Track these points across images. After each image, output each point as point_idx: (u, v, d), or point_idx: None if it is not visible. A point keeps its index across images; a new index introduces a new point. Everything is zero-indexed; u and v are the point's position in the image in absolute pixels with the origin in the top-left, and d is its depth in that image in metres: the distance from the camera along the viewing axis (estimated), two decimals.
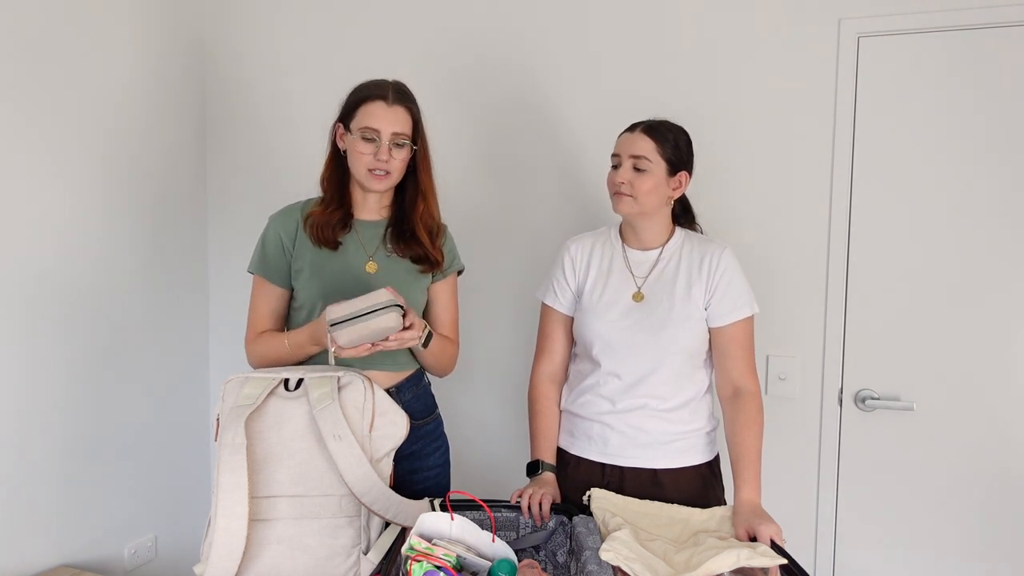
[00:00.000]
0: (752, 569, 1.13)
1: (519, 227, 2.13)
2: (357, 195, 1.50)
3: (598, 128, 2.01)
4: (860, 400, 1.88)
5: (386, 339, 1.29)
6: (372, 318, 1.24)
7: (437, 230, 1.53)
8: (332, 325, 1.25)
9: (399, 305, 1.27)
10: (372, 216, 1.51)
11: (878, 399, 1.87)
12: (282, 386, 1.32)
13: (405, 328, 1.30)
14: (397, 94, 1.43)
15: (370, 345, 1.29)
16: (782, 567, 1.14)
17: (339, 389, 1.31)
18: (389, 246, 1.49)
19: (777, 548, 1.20)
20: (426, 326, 1.40)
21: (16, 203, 1.77)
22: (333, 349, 1.27)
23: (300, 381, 1.33)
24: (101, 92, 1.98)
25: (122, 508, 2.10)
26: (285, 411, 1.29)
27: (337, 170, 1.49)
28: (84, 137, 1.94)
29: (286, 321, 1.54)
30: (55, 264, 1.87)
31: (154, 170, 2.18)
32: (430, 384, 1.62)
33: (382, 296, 1.26)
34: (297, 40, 2.30)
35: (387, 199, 1.52)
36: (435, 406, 1.62)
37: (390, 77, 1.49)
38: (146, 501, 2.19)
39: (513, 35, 2.10)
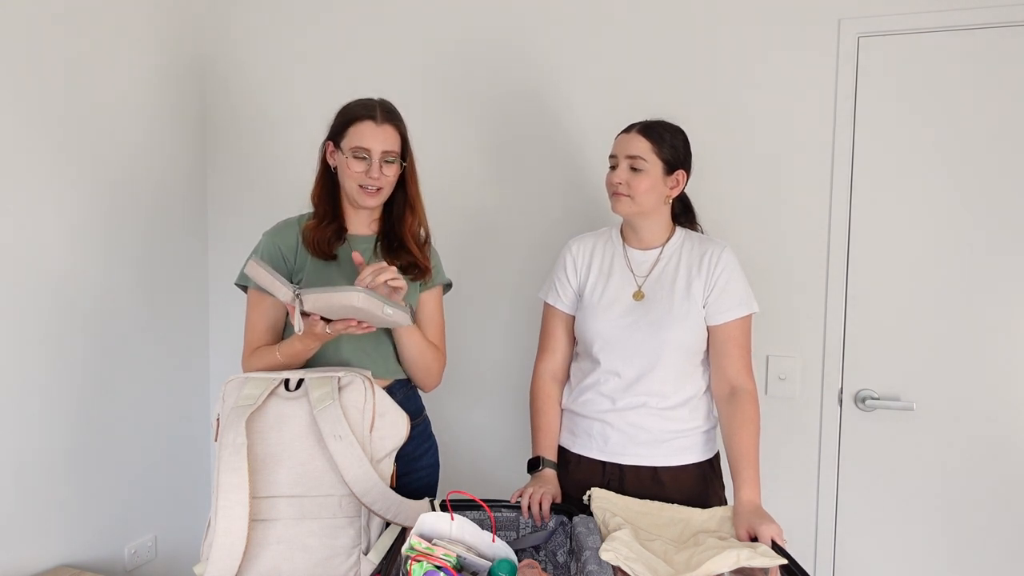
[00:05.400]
0: (752, 569, 1.13)
1: (520, 229, 2.12)
2: (348, 210, 1.54)
3: (599, 129, 2.01)
4: (860, 400, 1.88)
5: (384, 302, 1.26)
6: (339, 291, 1.22)
7: (426, 240, 1.56)
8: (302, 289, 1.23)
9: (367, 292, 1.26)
10: (363, 231, 1.54)
11: (878, 399, 1.87)
12: (282, 386, 1.33)
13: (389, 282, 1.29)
14: (385, 113, 1.46)
15: (356, 322, 1.27)
16: (782, 567, 1.14)
17: (340, 389, 1.31)
18: (380, 257, 1.52)
19: (778, 548, 1.20)
20: (409, 305, 1.38)
21: (19, 211, 1.77)
22: (299, 314, 1.23)
23: (300, 381, 1.33)
24: (102, 104, 1.98)
25: (122, 508, 2.10)
26: (285, 411, 1.30)
27: (328, 186, 1.52)
28: (85, 146, 1.94)
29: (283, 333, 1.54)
30: (58, 266, 1.87)
31: (155, 177, 2.18)
32: (416, 387, 1.63)
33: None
34: (299, 52, 2.30)
35: (376, 213, 1.55)
36: (423, 407, 1.64)
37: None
38: (146, 501, 2.19)
39: (517, 37, 2.09)
